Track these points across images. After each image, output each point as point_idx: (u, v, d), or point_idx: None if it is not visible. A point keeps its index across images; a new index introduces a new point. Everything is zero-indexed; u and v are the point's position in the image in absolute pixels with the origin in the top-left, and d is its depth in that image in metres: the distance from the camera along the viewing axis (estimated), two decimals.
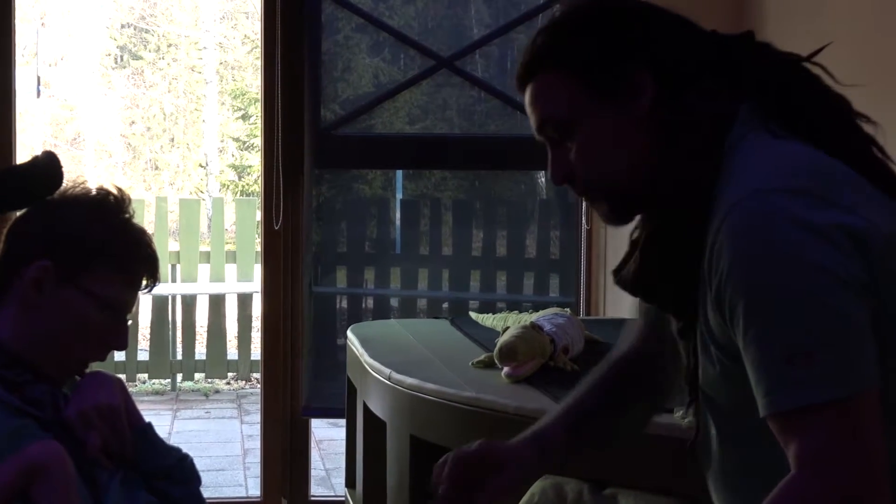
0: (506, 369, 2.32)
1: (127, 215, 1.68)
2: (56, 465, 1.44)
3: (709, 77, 1.42)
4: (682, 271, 1.37)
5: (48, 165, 1.69)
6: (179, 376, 7.09)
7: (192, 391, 7.13)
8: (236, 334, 7.18)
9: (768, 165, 1.33)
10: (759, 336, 1.25)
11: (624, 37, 1.42)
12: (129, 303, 1.68)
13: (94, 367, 1.71)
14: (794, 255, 1.24)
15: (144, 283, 1.69)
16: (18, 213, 1.71)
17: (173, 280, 7.27)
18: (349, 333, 3.17)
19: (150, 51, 15.09)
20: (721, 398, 1.41)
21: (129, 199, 1.69)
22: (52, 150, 1.77)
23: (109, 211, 1.66)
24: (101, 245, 1.63)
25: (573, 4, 1.48)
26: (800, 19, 3.37)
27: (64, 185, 1.69)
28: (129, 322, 1.69)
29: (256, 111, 12.73)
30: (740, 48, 1.45)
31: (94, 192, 1.67)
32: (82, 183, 1.69)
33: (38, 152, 1.73)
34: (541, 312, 2.83)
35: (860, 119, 1.42)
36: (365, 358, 2.83)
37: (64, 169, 1.68)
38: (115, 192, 1.68)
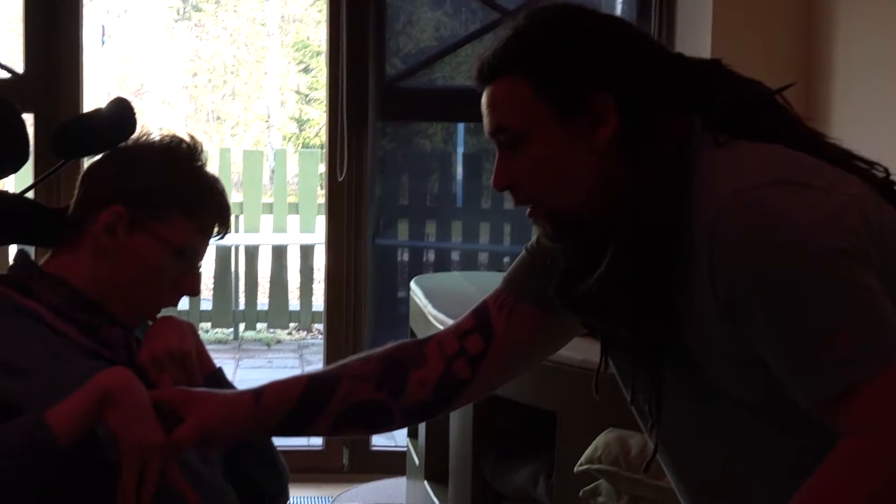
0: None
1: (199, 163, 1.69)
2: (125, 389, 1.45)
3: (670, 100, 1.38)
4: (654, 288, 1.34)
5: (122, 112, 1.70)
6: (242, 326, 7.17)
7: (255, 341, 7.21)
8: (298, 285, 7.23)
9: (741, 166, 1.32)
10: (789, 333, 1.24)
11: (597, 62, 1.37)
12: (201, 249, 1.69)
13: (164, 312, 1.73)
14: (799, 246, 1.23)
15: (216, 230, 1.70)
16: (93, 160, 1.73)
17: (236, 231, 7.33)
18: (413, 285, 3.19)
19: (211, 3, 15.12)
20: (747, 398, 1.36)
21: (202, 147, 1.70)
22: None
23: (182, 158, 1.68)
24: (174, 192, 1.65)
25: (552, 11, 1.41)
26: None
27: (137, 132, 1.71)
28: (200, 268, 1.72)
29: (317, 64, 12.74)
30: (705, 72, 1.42)
31: (167, 139, 1.69)
32: (155, 131, 1.71)
33: (103, 102, 1.74)
34: None
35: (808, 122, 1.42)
36: (429, 309, 2.84)
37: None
38: (187, 140, 1.69)
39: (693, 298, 1.32)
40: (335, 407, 1.54)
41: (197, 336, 1.70)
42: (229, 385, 1.71)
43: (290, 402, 1.54)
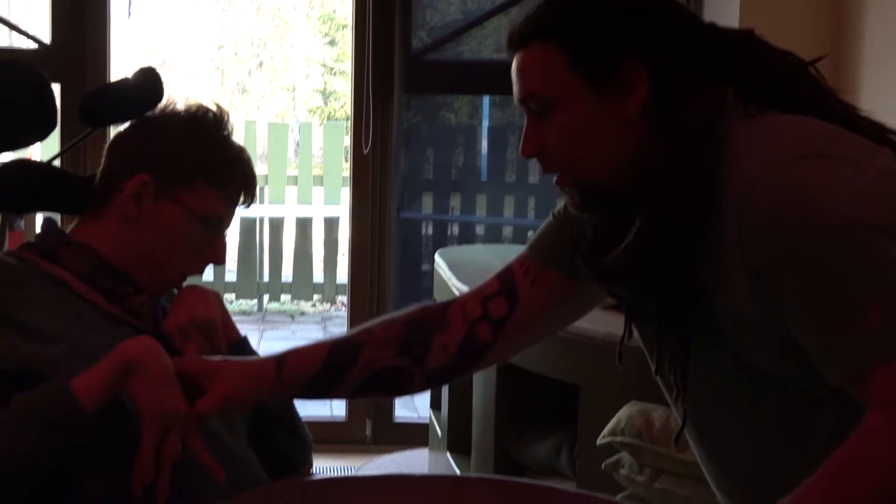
0: None
1: (226, 132, 1.69)
2: (149, 357, 1.45)
3: (702, 70, 1.37)
4: (681, 259, 1.34)
5: (149, 81, 1.71)
6: (266, 297, 7.20)
7: (278, 312, 7.24)
8: (322, 257, 7.25)
9: (772, 139, 1.31)
10: (818, 307, 1.23)
11: (629, 30, 1.36)
12: (227, 218, 1.70)
13: (190, 282, 1.74)
14: (829, 219, 1.22)
15: (241, 199, 1.70)
16: (119, 128, 1.74)
17: (261, 203, 7.34)
18: (437, 258, 3.19)
19: None
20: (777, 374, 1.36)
21: (228, 117, 1.70)
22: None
23: (209, 127, 1.68)
24: (200, 161, 1.65)
25: None
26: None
27: (163, 101, 1.71)
28: (226, 237, 1.72)
29: (343, 37, 12.70)
30: (738, 43, 1.41)
31: (193, 108, 1.69)
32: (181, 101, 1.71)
33: (130, 73, 1.74)
34: None
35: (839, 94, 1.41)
36: (453, 282, 2.85)
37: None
38: (214, 109, 1.69)
39: (721, 271, 1.32)
40: (357, 374, 1.55)
41: (222, 305, 1.71)
42: (254, 355, 1.72)
43: (312, 372, 1.55)
